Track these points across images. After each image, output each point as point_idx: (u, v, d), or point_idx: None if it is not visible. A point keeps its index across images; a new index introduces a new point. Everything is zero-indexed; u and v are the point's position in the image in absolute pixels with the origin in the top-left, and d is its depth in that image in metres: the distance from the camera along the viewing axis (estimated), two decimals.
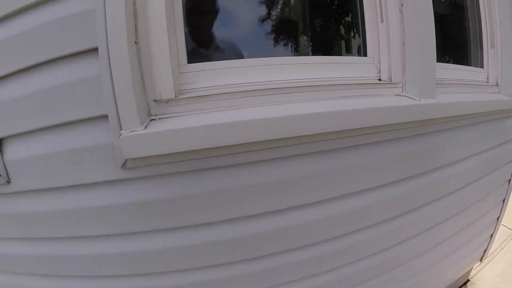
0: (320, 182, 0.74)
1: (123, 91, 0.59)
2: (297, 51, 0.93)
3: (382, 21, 0.81)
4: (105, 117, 0.61)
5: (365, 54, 0.85)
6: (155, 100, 0.64)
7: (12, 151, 0.70)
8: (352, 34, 0.98)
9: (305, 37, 1.12)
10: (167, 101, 0.65)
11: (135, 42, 0.59)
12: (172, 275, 0.74)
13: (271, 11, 0.98)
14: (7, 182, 0.72)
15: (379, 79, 0.83)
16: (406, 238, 0.95)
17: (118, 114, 0.60)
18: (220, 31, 0.91)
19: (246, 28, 0.95)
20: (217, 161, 0.65)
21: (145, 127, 0.60)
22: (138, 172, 0.63)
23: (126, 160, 0.61)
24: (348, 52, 0.98)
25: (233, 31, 0.93)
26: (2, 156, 0.71)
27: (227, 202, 0.69)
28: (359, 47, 0.91)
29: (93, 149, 0.63)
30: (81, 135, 0.64)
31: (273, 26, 0.96)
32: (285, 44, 0.93)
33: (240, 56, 0.90)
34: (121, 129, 0.60)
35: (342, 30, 1.04)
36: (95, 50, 0.60)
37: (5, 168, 0.71)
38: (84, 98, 0.62)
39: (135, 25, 0.59)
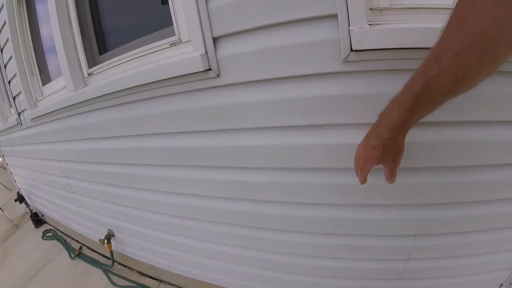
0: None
1: None
2: None
3: None
4: (332, 16, 0.68)
5: None
6: (370, 9, 0.70)
7: (225, 48, 0.80)
8: None
9: None
10: (381, 10, 0.71)
11: None
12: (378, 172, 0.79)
13: None
14: (217, 75, 0.82)
15: None
16: None
17: (348, 13, 0.66)
18: None
19: None
20: None
21: (369, 26, 0.67)
22: (357, 66, 0.70)
23: (349, 53, 0.67)
24: None
25: None
26: (215, 53, 0.81)
27: None
28: None
29: (316, 44, 0.70)
30: (304, 32, 0.71)
31: None
32: None
33: None
34: (349, 26, 0.66)
35: None
36: None
37: (217, 63, 0.81)
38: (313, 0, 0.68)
39: None
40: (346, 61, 0.70)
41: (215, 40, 0.80)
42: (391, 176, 0.61)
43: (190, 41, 0.86)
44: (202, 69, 0.80)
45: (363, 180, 0.64)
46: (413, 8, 0.72)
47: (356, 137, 0.77)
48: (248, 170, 0.94)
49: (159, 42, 0.96)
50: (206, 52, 0.80)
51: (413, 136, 0.76)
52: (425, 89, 0.44)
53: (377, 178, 0.83)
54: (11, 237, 2.88)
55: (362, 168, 0.61)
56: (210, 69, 0.81)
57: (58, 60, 1.31)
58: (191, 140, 0.97)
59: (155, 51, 0.97)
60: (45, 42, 1.70)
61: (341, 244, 1.00)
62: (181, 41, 0.89)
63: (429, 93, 0.44)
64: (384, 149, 0.54)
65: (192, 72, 0.82)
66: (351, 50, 0.68)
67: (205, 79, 0.84)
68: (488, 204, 0.87)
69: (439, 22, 0.70)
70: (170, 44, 0.92)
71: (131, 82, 0.97)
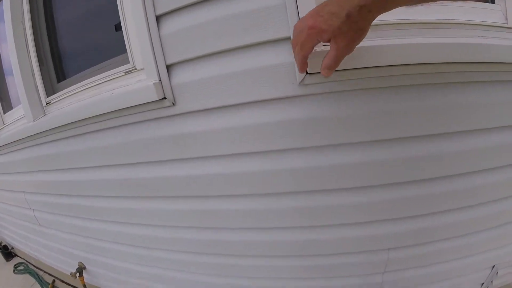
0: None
1: None
2: None
3: None
4: (286, 39, 0.66)
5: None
6: None
7: (180, 76, 0.77)
8: None
9: None
10: None
11: None
12: (344, 192, 0.81)
13: None
14: (173, 104, 0.78)
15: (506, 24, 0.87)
16: None
17: None
18: None
19: None
20: (389, 82, 0.68)
21: (324, 47, 0.65)
22: (314, 88, 0.68)
23: (305, 76, 0.65)
24: None
25: None
26: (170, 81, 0.77)
27: (390, 122, 0.73)
28: None
29: (271, 68, 0.68)
30: (258, 56, 0.69)
31: None
32: None
33: None
34: None
35: None
36: None
37: (172, 91, 0.78)
38: (266, 23, 0.67)
39: None
40: (302, 84, 0.68)
41: (168, 67, 0.77)
42: (334, 63, 0.46)
43: (143, 69, 0.82)
44: (156, 98, 0.77)
45: (302, 64, 0.50)
46: (375, 25, 0.71)
47: (316, 160, 0.75)
48: (209, 198, 0.90)
49: (114, 70, 0.92)
50: (160, 80, 0.77)
51: (379, 153, 0.76)
52: None
53: (345, 198, 0.82)
54: None
55: (304, 43, 0.46)
56: (165, 98, 0.78)
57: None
58: (151, 170, 0.93)
59: (111, 79, 0.93)
60: (6, 69, 1.62)
61: (313, 264, 0.97)
62: (135, 68, 0.86)
63: None
64: (347, 20, 0.40)
65: (147, 101, 0.78)
66: (307, 73, 0.66)
67: (161, 108, 0.80)
68: (460, 211, 0.89)
69: (393, 38, 0.71)
70: (125, 72, 0.88)
71: (87, 112, 0.93)
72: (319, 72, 0.66)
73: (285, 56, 0.67)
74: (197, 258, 1.07)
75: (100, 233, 1.31)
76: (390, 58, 0.63)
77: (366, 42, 0.66)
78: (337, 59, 0.46)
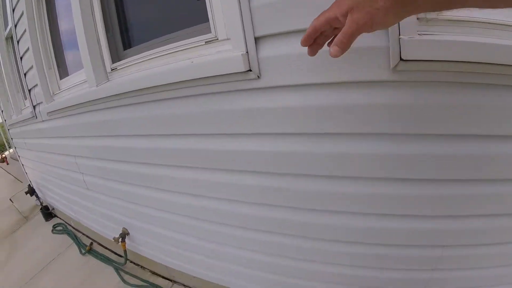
0: None
1: None
2: None
3: None
4: None
5: None
6: (417, 18, 0.66)
7: (268, 49, 0.75)
8: None
9: None
10: (428, 20, 0.66)
11: None
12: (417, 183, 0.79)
13: None
14: (258, 77, 0.77)
15: None
16: None
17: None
18: None
19: None
20: (474, 78, 0.65)
21: (419, 36, 0.62)
22: (405, 75, 0.66)
23: (399, 62, 0.63)
24: None
25: None
26: (257, 53, 0.76)
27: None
28: None
29: (365, 50, 0.66)
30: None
31: None
32: None
33: None
34: (400, 34, 0.62)
35: None
36: None
37: (258, 64, 0.76)
38: None
39: None
40: (395, 70, 0.66)
41: (256, 40, 0.76)
42: (347, 38, 0.42)
43: (228, 39, 0.82)
44: (243, 70, 0.76)
45: (307, 35, 0.47)
46: (458, 20, 0.69)
47: (400, 148, 0.73)
48: (283, 176, 0.90)
49: (192, 39, 0.91)
50: (247, 52, 0.76)
51: (443, 149, 0.73)
52: None
53: (407, 189, 0.80)
54: (20, 229, 2.88)
55: (323, 13, 0.44)
56: (250, 70, 0.77)
57: (77, 55, 1.28)
58: (222, 142, 0.94)
59: (187, 49, 0.93)
60: (64, 36, 1.67)
61: (366, 253, 0.96)
62: (217, 39, 0.85)
63: None
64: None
65: (231, 72, 0.78)
66: (401, 59, 0.64)
67: (244, 80, 0.79)
68: None
69: (484, 36, 0.67)
70: (206, 42, 0.87)
71: (162, 79, 0.94)
72: (413, 60, 0.64)
73: (379, 39, 0.65)
74: (248, 234, 1.09)
75: (149, 200, 1.35)
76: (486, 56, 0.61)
77: (457, 37, 0.63)
78: (350, 34, 0.41)
